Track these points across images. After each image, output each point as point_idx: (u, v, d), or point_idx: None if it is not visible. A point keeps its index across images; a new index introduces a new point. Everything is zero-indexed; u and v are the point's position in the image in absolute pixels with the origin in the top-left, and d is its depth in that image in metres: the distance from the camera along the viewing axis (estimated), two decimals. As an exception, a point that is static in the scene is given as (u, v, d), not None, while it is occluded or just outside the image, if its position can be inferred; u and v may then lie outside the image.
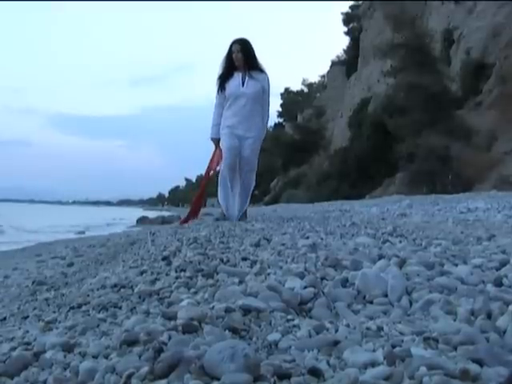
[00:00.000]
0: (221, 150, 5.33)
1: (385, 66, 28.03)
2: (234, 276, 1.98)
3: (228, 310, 1.46)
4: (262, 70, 5.31)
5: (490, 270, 2.01)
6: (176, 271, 2.17)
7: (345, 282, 1.86)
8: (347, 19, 50.43)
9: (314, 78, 65.66)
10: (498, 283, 1.77)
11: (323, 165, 33.74)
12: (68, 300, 2.13)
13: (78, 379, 1.11)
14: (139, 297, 1.81)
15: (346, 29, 51.05)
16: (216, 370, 1.05)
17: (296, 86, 63.56)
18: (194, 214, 5.95)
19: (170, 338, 1.24)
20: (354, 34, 48.02)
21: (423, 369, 1.03)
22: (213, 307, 1.50)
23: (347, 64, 48.98)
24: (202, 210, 6.48)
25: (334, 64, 56.24)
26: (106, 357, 1.21)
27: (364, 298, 1.71)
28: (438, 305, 1.53)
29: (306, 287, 1.76)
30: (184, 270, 2.15)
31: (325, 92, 56.61)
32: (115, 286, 2.04)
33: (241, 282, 1.89)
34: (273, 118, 57.32)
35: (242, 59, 5.19)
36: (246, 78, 5.21)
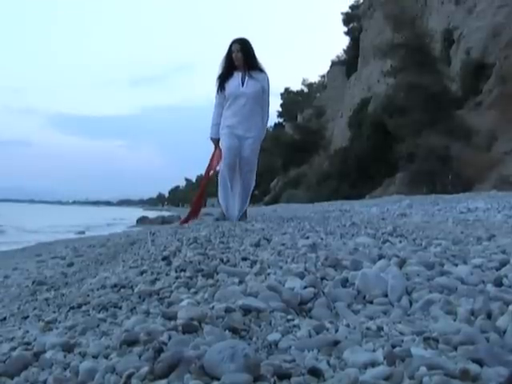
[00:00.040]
0: (220, 150, 5.33)
1: (385, 65, 28.03)
2: (233, 276, 1.98)
3: (228, 310, 1.46)
4: (261, 70, 5.30)
5: (490, 270, 2.01)
6: (176, 271, 2.17)
7: (345, 282, 1.86)
8: (347, 19, 50.46)
9: (314, 78, 65.76)
10: (498, 283, 1.77)
11: (323, 165, 33.74)
12: (68, 300, 2.13)
13: (78, 379, 1.11)
14: (139, 297, 1.81)
15: (346, 29, 51.14)
16: (216, 369, 1.05)
17: (296, 86, 63.65)
18: (194, 214, 5.95)
19: (170, 337, 1.24)
20: (354, 34, 48.05)
21: (423, 369, 1.03)
22: (213, 307, 1.50)
23: (347, 64, 49.00)
24: (202, 210, 6.49)
25: (334, 64, 56.27)
26: (106, 357, 1.21)
27: (364, 297, 1.71)
28: (438, 305, 1.53)
29: (305, 287, 1.76)
30: (184, 270, 2.15)
31: (325, 92, 56.63)
32: (115, 285, 2.04)
33: (241, 282, 1.89)
34: (273, 118, 57.37)
35: (241, 59, 5.19)
36: (246, 77, 5.21)
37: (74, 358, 1.23)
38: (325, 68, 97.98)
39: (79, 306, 1.84)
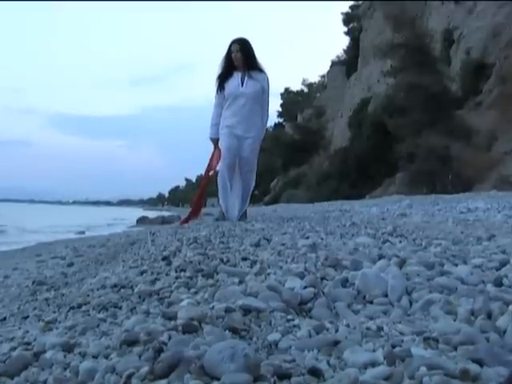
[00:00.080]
0: (220, 150, 5.33)
1: (385, 65, 28.03)
2: (233, 276, 1.98)
3: (228, 310, 1.46)
4: (261, 70, 5.29)
5: (490, 270, 2.01)
6: (176, 271, 2.17)
7: (345, 282, 1.86)
8: (347, 19, 50.44)
9: (314, 78, 65.76)
10: (498, 283, 1.77)
11: (323, 165, 33.74)
12: (68, 300, 2.13)
13: (78, 379, 1.11)
14: (139, 297, 1.81)
15: (346, 29, 51.12)
16: (216, 369, 1.05)
17: (296, 86, 63.67)
18: (194, 214, 5.95)
19: (170, 337, 1.24)
20: (354, 34, 48.04)
21: (423, 369, 1.03)
22: (213, 307, 1.50)
23: (347, 64, 49.00)
24: (202, 210, 6.49)
25: (334, 64, 56.26)
26: (106, 357, 1.21)
27: (364, 298, 1.71)
28: (438, 305, 1.53)
29: (306, 287, 1.76)
30: (184, 270, 2.15)
31: (325, 92, 56.63)
32: (115, 285, 2.04)
33: (241, 282, 1.89)
34: (273, 118, 57.39)
35: (241, 59, 5.18)
36: (246, 77, 5.20)
37: (74, 358, 1.23)
38: (325, 68, 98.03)
39: (79, 306, 1.84)
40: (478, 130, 20.24)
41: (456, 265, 2.13)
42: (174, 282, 1.94)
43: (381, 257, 2.27)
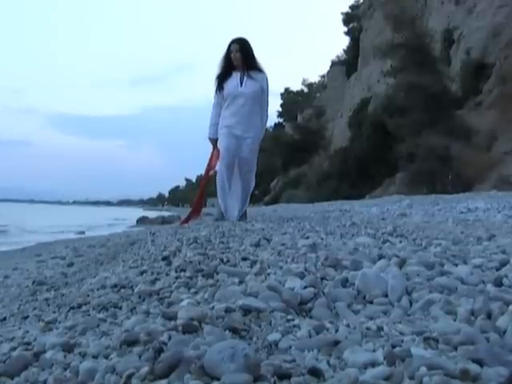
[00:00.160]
0: (219, 150, 5.32)
1: (385, 66, 28.03)
2: (234, 276, 1.98)
3: (228, 310, 1.46)
4: (260, 70, 5.29)
5: (490, 270, 2.01)
6: (176, 271, 2.17)
7: (345, 282, 1.86)
8: (347, 19, 50.46)
9: (314, 78, 65.76)
10: (498, 283, 1.77)
11: (323, 165, 33.74)
12: (68, 300, 2.13)
13: (78, 379, 1.11)
14: (139, 297, 1.80)
15: (346, 29, 51.15)
16: (216, 370, 1.05)
17: (296, 86, 63.66)
18: (194, 214, 5.95)
19: (170, 338, 1.24)
20: (354, 34, 48.04)
21: (423, 369, 1.03)
22: (213, 307, 1.50)
23: (347, 64, 49.00)
24: (203, 210, 6.49)
25: (334, 64, 56.27)
26: (106, 357, 1.21)
27: (364, 297, 1.71)
28: (438, 305, 1.53)
29: (306, 287, 1.76)
30: (184, 270, 2.15)
31: (325, 92, 56.63)
32: (115, 286, 2.04)
33: (241, 282, 1.89)
34: (273, 118, 57.39)
35: (240, 59, 5.18)
36: (245, 77, 5.19)
37: (74, 358, 1.23)
38: (325, 68, 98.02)
39: (79, 306, 1.84)
40: (477, 129, 20.25)
41: (456, 265, 2.13)
42: (174, 282, 1.94)
43: (381, 257, 2.27)
